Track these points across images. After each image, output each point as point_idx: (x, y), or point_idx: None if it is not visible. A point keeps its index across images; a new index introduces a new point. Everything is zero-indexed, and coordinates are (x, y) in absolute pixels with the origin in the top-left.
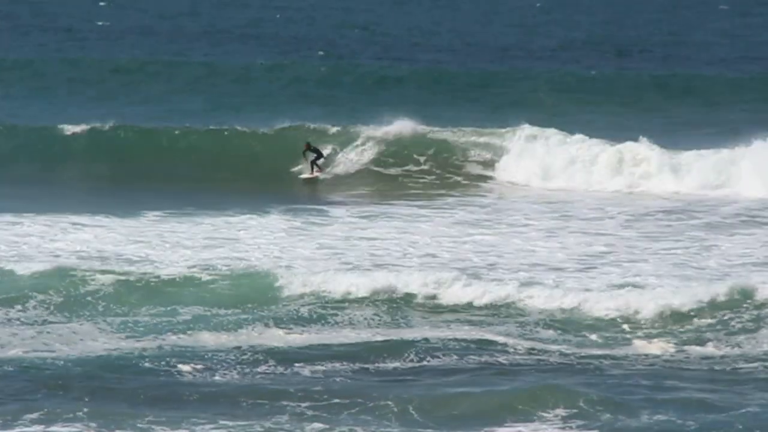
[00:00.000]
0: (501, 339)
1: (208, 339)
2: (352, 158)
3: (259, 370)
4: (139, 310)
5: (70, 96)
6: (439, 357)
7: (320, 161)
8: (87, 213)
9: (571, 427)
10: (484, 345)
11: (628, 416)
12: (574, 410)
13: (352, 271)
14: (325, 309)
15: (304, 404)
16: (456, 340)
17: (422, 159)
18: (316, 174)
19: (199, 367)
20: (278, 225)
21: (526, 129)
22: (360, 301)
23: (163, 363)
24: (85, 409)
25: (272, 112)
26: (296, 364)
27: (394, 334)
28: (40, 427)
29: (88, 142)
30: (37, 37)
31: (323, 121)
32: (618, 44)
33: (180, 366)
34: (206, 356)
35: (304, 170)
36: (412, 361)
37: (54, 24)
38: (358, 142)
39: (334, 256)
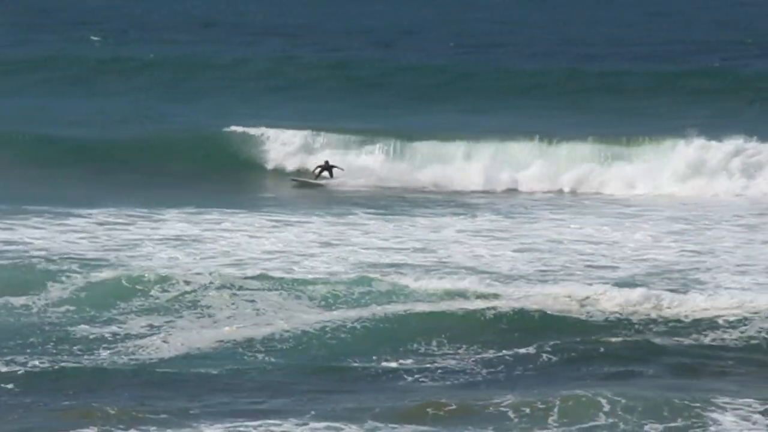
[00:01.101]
0: (719, 343)
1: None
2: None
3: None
4: (343, 295)
5: (263, 97)
6: (654, 359)
7: (325, 172)
8: (288, 212)
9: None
10: (703, 349)
11: None
12: None
13: (558, 273)
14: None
15: (513, 389)
16: (674, 342)
17: (599, 163)
18: (317, 179)
19: (408, 361)
20: (484, 225)
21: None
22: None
23: (375, 352)
24: (308, 404)
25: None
26: (505, 351)
27: (607, 336)
28: (258, 422)
29: (283, 144)
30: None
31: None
32: None
33: (391, 363)
34: (416, 348)
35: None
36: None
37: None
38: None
39: (538, 260)
